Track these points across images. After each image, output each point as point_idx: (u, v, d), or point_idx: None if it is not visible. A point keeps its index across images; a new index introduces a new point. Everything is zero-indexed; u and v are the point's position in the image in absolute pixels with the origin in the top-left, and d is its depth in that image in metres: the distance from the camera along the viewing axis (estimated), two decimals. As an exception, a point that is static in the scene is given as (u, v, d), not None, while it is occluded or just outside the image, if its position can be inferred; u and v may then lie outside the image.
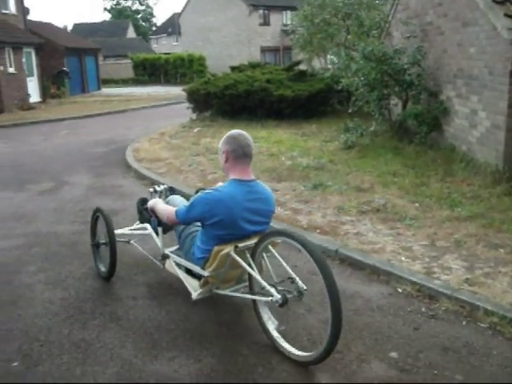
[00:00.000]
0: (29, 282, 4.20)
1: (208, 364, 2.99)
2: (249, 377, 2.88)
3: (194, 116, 14.06)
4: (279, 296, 2.90)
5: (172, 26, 55.63)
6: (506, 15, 6.00)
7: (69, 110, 18.81)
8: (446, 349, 3.10)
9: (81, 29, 53.66)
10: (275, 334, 3.14)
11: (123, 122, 15.80)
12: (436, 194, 5.95)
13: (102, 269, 4.23)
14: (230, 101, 12.86)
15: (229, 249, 3.10)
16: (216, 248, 3.17)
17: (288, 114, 12.49)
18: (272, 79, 13.16)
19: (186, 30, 43.71)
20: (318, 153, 8.65)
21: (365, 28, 12.98)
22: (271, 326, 3.17)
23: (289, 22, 32.41)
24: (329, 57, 16.76)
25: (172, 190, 4.24)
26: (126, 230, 4.35)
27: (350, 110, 10.11)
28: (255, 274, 3.09)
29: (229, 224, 3.13)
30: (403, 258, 4.29)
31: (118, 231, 4.20)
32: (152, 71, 38.38)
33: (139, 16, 80.00)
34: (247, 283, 3.38)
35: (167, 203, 3.80)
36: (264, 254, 3.20)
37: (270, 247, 3.16)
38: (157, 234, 3.89)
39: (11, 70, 20.02)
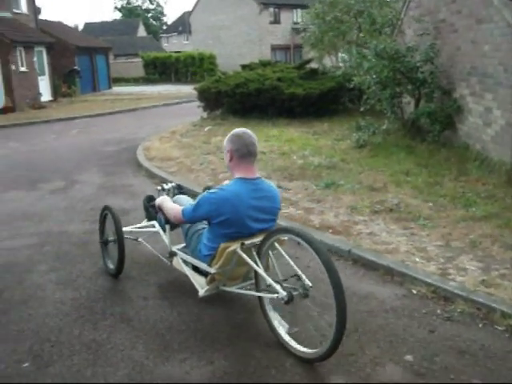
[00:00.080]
0: (40, 282, 4.20)
1: (220, 366, 2.96)
2: (262, 379, 2.84)
3: (204, 114, 14.02)
4: (285, 293, 2.90)
5: (182, 25, 55.75)
6: (522, 12, 5.92)
7: (80, 109, 18.87)
8: (462, 352, 3.04)
9: (92, 28, 54.02)
10: (282, 331, 3.13)
11: (134, 121, 15.81)
12: (450, 193, 5.86)
13: (111, 266, 4.25)
14: (241, 99, 12.80)
15: (235, 246, 3.11)
16: (222, 245, 3.18)
17: (299, 112, 12.40)
18: (283, 77, 13.08)
19: (197, 29, 43.72)
20: (329, 151, 8.58)
21: (377, 25, 12.83)
22: (277, 323, 3.17)
23: (299, 20, 32.37)
24: (340, 55, 16.67)
25: (180, 188, 4.24)
26: (133, 228, 4.36)
27: (361, 109, 10.00)
28: (261, 271, 3.09)
29: (235, 222, 3.14)
30: (417, 259, 4.23)
31: (126, 228, 4.21)
32: (163, 70, 38.41)
33: (150, 15, 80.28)
34: (253, 280, 3.37)
35: (174, 202, 3.78)
36: (270, 252, 3.20)
37: (277, 244, 3.16)
38: (164, 231, 3.90)
39: (23, 68, 20.13)
